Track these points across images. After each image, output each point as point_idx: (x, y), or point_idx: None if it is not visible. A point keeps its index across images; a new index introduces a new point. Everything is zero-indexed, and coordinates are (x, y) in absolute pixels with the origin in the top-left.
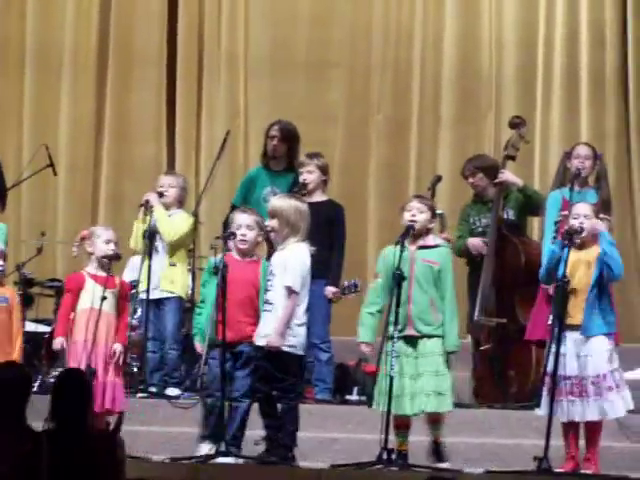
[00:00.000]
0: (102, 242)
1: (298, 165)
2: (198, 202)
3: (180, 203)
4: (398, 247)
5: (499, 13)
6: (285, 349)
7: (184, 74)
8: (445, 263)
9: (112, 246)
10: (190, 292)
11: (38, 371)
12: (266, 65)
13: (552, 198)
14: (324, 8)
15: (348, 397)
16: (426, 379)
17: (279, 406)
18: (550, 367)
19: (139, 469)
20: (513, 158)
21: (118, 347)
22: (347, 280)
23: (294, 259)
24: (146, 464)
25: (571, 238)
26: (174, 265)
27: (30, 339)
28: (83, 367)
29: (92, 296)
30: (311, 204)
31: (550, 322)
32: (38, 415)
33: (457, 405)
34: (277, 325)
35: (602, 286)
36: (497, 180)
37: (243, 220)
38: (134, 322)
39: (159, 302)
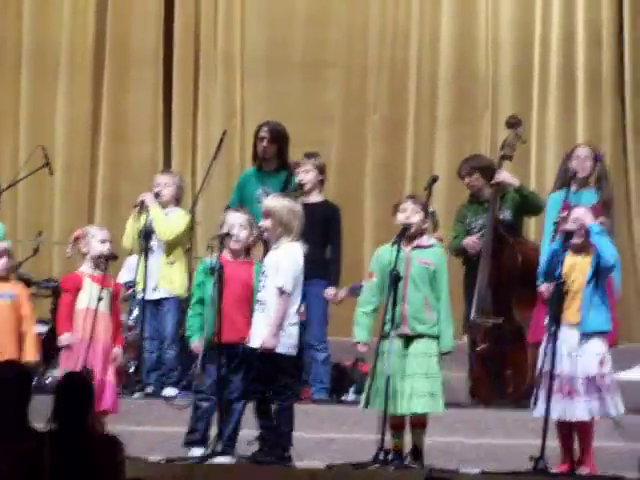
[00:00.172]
0: (97, 242)
1: (294, 165)
2: (195, 202)
3: (177, 201)
4: (393, 247)
5: (495, 13)
6: (278, 350)
7: (180, 74)
8: (440, 264)
9: (108, 246)
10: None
11: (34, 371)
12: (262, 65)
13: (552, 200)
14: (320, 8)
15: (345, 397)
16: (417, 380)
17: (273, 407)
18: (546, 367)
19: (135, 469)
20: (510, 158)
21: (118, 351)
22: (356, 282)
23: (286, 259)
24: (142, 464)
25: (567, 238)
26: (172, 263)
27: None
28: (79, 367)
29: (89, 296)
30: (307, 204)
31: (546, 322)
32: (35, 414)
33: (453, 405)
34: (270, 327)
35: (598, 281)
36: (494, 181)
37: (236, 219)
38: (130, 322)
39: (158, 302)
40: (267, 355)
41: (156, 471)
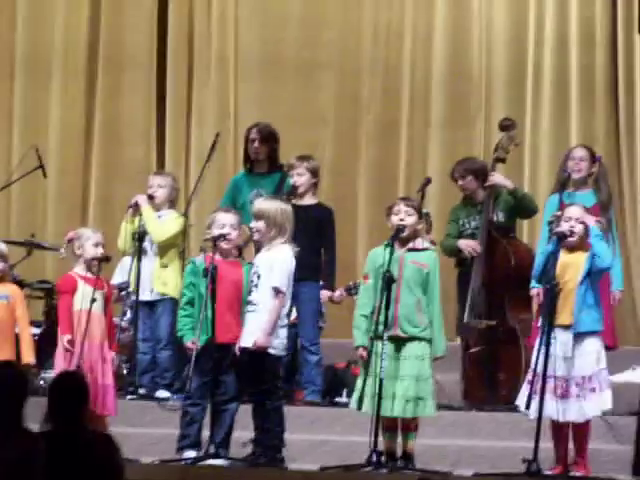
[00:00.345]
0: (91, 245)
1: (288, 167)
2: (188, 204)
3: (171, 203)
4: (386, 249)
5: (488, 14)
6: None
7: (174, 76)
8: (434, 267)
9: (101, 249)
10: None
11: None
12: (256, 67)
13: (549, 202)
14: (314, 10)
15: (337, 399)
16: (407, 384)
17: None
18: (539, 368)
19: (128, 471)
20: (503, 160)
21: (114, 355)
22: (352, 281)
23: (280, 260)
24: (135, 466)
25: (561, 241)
26: (165, 266)
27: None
28: (102, 370)
29: (82, 298)
30: (301, 207)
31: (539, 323)
32: (29, 416)
33: (446, 407)
34: (265, 325)
35: (591, 282)
36: (487, 184)
37: (227, 220)
38: (123, 324)
39: (152, 304)
40: (256, 355)
41: (149, 473)
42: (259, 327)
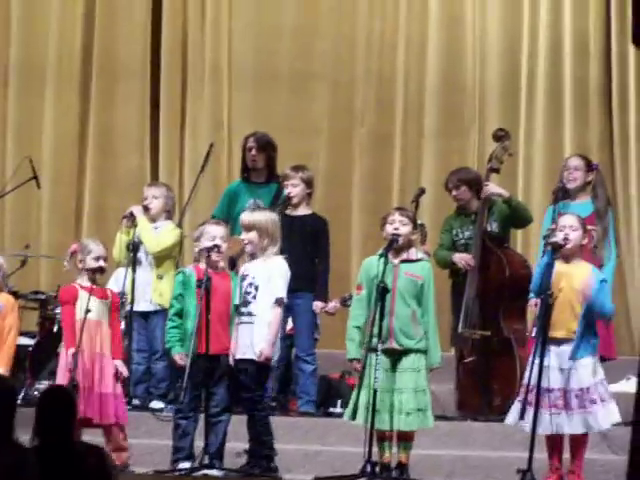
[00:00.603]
0: (92, 259)
1: (283, 178)
2: (182, 215)
3: (168, 213)
4: (381, 259)
5: (482, 25)
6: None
7: (167, 86)
8: (428, 278)
9: (101, 262)
10: None
11: (22, 384)
12: (250, 77)
13: (547, 213)
14: (308, 20)
15: (332, 410)
16: (405, 396)
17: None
18: (533, 380)
19: None
20: (497, 171)
21: (118, 365)
22: (347, 292)
23: (279, 271)
24: (130, 477)
25: (555, 251)
26: (161, 277)
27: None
28: (84, 378)
29: (84, 308)
30: (295, 217)
31: (534, 335)
32: (22, 428)
33: (441, 418)
34: (270, 337)
35: (590, 316)
36: (482, 195)
37: (218, 232)
38: None
39: (147, 314)
40: (255, 366)
41: None
42: (262, 338)
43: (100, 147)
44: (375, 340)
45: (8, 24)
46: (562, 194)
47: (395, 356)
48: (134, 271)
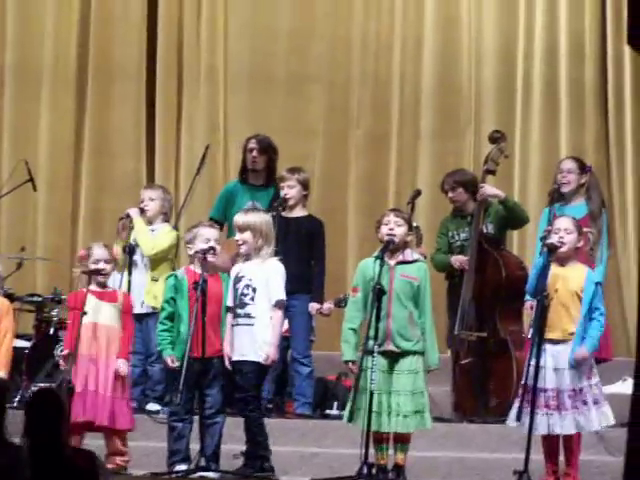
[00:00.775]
0: (92, 262)
1: (279, 179)
2: (178, 216)
3: (165, 215)
4: (377, 261)
5: (478, 27)
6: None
7: (163, 88)
8: (424, 279)
9: (100, 265)
10: None
11: (18, 386)
12: (245, 79)
13: (542, 215)
14: (303, 22)
15: (328, 412)
16: (402, 398)
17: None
18: (530, 380)
19: None
20: (493, 172)
21: (119, 363)
22: (342, 294)
23: (277, 273)
24: (126, 479)
25: (552, 253)
26: (156, 280)
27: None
28: (90, 381)
29: (92, 312)
30: (291, 219)
31: (530, 336)
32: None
33: (437, 419)
34: (274, 339)
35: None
36: (478, 197)
37: (211, 234)
38: None
39: (143, 316)
40: (257, 367)
41: None
42: (266, 342)
43: (96, 149)
44: (371, 342)
45: (3, 26)
46: (557, 196)
47: (392, 358)
48: (130, 274)
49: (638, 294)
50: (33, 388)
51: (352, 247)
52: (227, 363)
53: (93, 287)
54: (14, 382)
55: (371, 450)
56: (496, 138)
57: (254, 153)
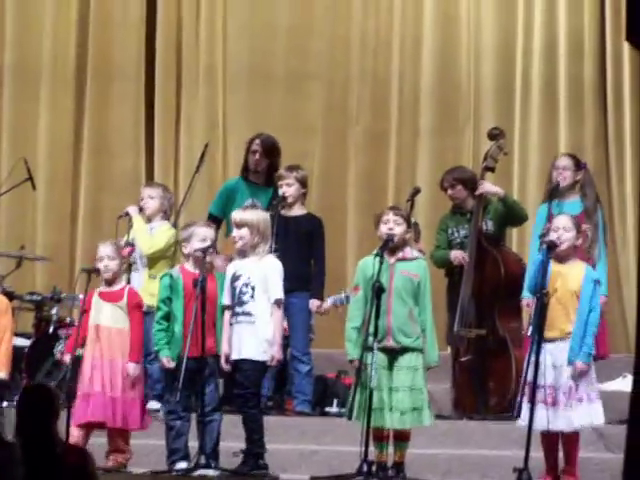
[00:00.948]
0: (97, 260)
1: (277, 178)
2: (177, 215)
3: (164, 214)
4: (376, 259)
5: (477, 24)
6: (259, 359)
7: (162, 87)
8: (424, 276)
9: (105, 261)
10: None
11: (18, 385)
12: (244, 77)
13: (539, 211)
14: (302, 20)
15: (328, 409)
16: (402, 395)
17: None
18: (529, 377)
19: None
20: (492, 169)
21: (128, 367)
22: (338, 293)
23: (275, 271)
24: (127, 477)
25: (551, 250)
26: (154, 278)
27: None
28: (95, 383)
29: (95, 313)
30: (290, 217)
31: (529, 334)
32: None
33: (437, 417)
34: (277, 339)
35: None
36: (477, 192)
37: (208, 234)
38: None
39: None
40: (257, 365)
41: None
42: (268, 342)
43: (95, 148)
44: (371, 339)
45: (2, 26)
46: (556, 193)
47: (392, 354)
48: (129, 272)
49: (637, 291)
50: None
51: (351, 245)
52: (223, 362)
53: (102, 287)
54: (14, 381)
55: (371, 448)
56: (495, 135)
57: (257, 156)
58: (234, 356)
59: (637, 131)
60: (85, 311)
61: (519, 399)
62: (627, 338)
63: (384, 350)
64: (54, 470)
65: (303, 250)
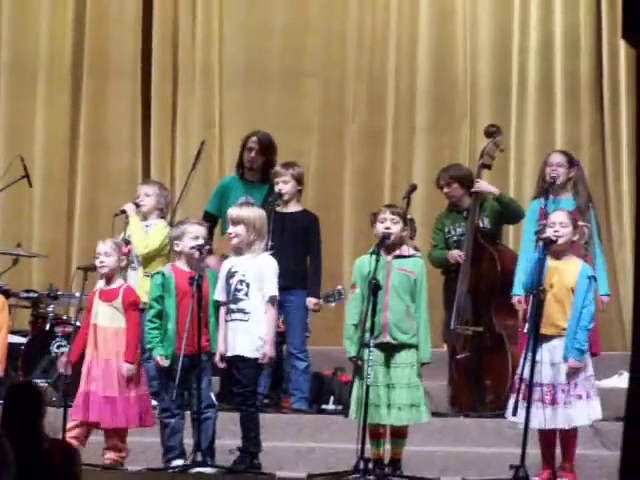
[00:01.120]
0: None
1: (273, 175)
2: (174, 212)
3: (160, 211)
4: (372, 256)
5: (473, 21)
6: (253, 356)
7: (159, 84)
8: (421, 273)
9: (100, 258)
10: None
11: (13, 382)
12: (241, 75)
13: (530, 207)
14: (298, 18)
15: (325, 406)
16: (399, 391)
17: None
18: (526, 375)
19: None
20: (489, 167)
21: (123, 367)
22: (330, 288)
23: (269, 268)
24: (123, 474)
25: (547, 246)
26: (149, 276)
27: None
28: (91, 382)
29: (94, 312)
30: (286, 214)
31: (525, 331)
32: None
33: (433, 414)
34: (270, 336)
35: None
36: (473, 190)
37: (201, 232)
38: None
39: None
40: (248, 362)
41: None
42: (262, 339)
43: (91, 146)
44: (367, 336)
45: None
46: (552, 190)
47: (389, 351)
48: (125, 270)
49: (634, 288)
50: None
51: (348, 242)
52: (218, 359)
53: (102, 285)
54: (9, 378)
55: (368, 444)
56: (492, 132)
57: (252, 153)
58: (229, 353)
59: (633, 127)
60: (88, 311)
61: (514, 398)
62: (624, 336)
63: (381, 346)
64: (39, 467)
65: (299, 247)
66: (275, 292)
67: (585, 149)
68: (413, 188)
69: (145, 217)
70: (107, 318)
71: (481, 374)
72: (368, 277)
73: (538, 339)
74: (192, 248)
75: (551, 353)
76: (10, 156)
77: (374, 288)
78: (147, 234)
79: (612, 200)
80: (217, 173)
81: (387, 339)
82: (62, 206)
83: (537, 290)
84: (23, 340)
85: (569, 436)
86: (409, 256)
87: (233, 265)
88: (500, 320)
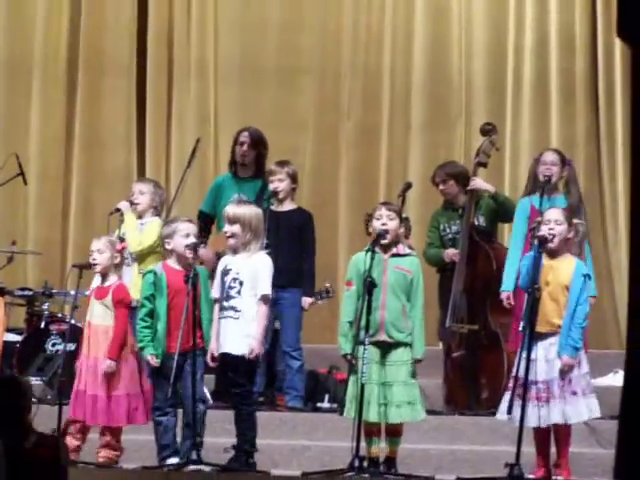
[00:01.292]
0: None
1: (268, 173)
2: (169, 210)
3: (155, 209)
4: (367, 254)
5: (468, 19)
6: (249, 355)
7: (154, 82)
8: (417, 272)
9: (94, 256)
10: None
11: None
12: (236, 72)
13: (520, 205)
14: (293, 14)
15: (319, 405)
16: (396, 389)
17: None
18: (521, 373)
19: (111, 477)
20: (484, 165)
21: (105, 363)
22: (320, 286)
23: (265, 267)
24: (118, 472)
25: (542, 244)
26: (143, 273)
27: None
28: (82, 381)
29: (89, 311)
30: (281, 212)
31: (520, 329)
32: None
33: (428, 412)
34: (259, 333)
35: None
36: (469, 188)
37: (192, 229)
38: None
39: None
40: (241, 361)
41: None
42: (251, 336)
43: (87, 143)
44: (362, 333)
45: None
46: (546, 188)
47: (385, 349)
48: (120, 267)
49: (629, 286)
50: None
51: (343, 240)
52: (209, 358)
53: (98, 282)
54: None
55: (363, 443)
56: (487, 130)
57: (244, 147)
58: (221, 350)
59: (629, 126)
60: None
61: (506, 396)
62: (619, 334)
63: (376, 344)
64: (25, 461)
65: (294, 245)
66: (268, 291)
67: (580, 148)
68: (408, 186)
69: (140, 215)
70: (99, 316)
71: (476, 372)
72: (364, 275)
73: (533, 337)
74: (186, 247)
75: (546, 350)
76: (5, 154)
77: (369, 286)
78: (141, 232)
79: (607, 199)
80: (212, 170)
81: (383, 337)
82: (57, 204)
83: (532, 288)
84: (18, 338)
85: (563, 433)
86: (405, 255)
87: (228, 263)
88: (495, 318)
